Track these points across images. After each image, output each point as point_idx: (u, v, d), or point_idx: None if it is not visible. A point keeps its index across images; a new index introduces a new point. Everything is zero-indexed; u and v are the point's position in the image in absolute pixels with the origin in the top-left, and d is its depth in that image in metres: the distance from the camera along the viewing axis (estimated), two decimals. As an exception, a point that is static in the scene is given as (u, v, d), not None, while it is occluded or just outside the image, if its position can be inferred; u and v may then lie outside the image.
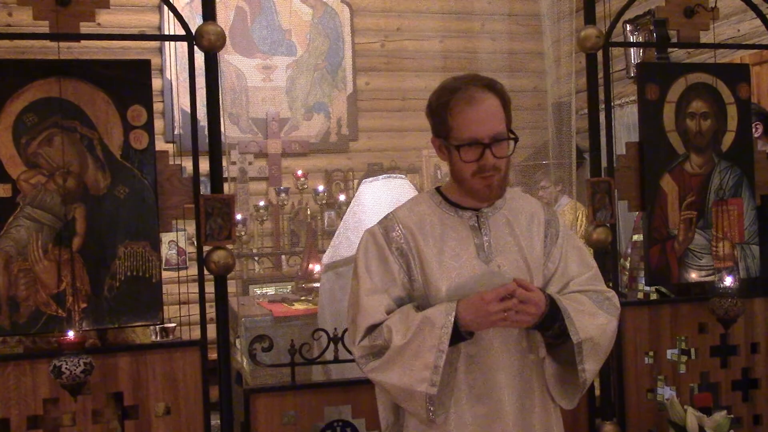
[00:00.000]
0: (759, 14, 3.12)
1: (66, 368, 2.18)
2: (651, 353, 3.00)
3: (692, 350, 3.06)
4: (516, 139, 1.98)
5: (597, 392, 2.90)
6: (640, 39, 6.02)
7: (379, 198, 3.58)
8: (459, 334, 1.87)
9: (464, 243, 1.99)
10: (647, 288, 3.90)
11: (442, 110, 1.96)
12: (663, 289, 3.61)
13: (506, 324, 1.89)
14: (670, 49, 5.60)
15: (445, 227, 2.01)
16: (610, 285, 2.87)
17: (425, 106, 2.05)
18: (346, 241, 3.60)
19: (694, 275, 2.96)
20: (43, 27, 2.43)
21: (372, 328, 1.94)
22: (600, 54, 2.88)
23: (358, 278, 2.01)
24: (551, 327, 1.94)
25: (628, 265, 4.39)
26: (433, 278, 1.96)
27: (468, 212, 2.03)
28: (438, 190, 2.10)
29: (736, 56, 4.79)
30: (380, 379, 1.92)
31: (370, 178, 3.79)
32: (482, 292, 1.87)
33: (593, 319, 1.97)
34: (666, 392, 3.06)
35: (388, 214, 2.09)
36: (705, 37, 3.09)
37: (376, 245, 2.01)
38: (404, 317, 1.91)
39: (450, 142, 1.95)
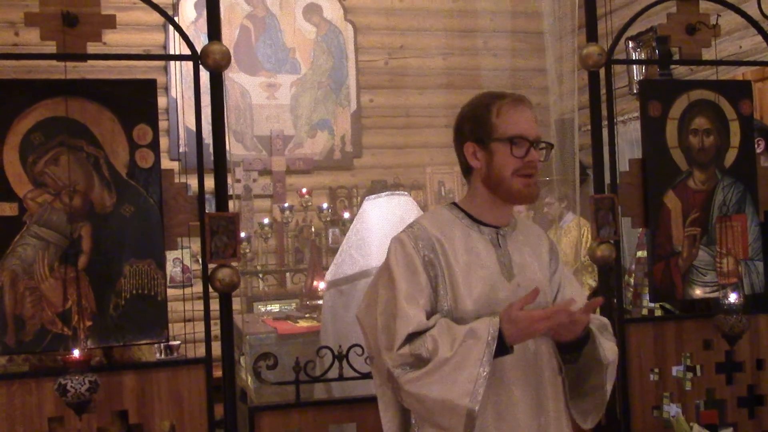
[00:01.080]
0: (760, 31, 3.13)
1: (71, 386, 2.19)
2: (656, 370, 2.99)
3: (697, 367, 3.04)
4: (552, 146, 2.04)
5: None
6: (643, 56, 6.04)
7: (382, 215, 3.57)
8: (500, 348, 1.86)
9: (489, 258, 2.00)
10: (651, 304, 3.89)
11: (483, 111, 2.00)
12: (667, 306, 3.60)
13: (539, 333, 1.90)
14: (672, 66, 5.63)
15: (470, 240, 2.01)
16: (615, 301, 2.88)
17: (456, 117, 2.07)
18: (349, 259, 3.60)
19: (698, 292, 2.96)
20: (50, 47, 2.46)
21: (412, 336, 1.88)
22: (602, 71, 2.89)
23: (394, 283, 1.95)
24: (579, 347, 1.98)
25: (632, 281, 4.39)
26: (461, 292, 1.95)
27: (488, 228, 2.04)
28: (455, 204, 2.10)
29: (738, 73, 4.80)
30: (418, 391, 1.85)
31: (373, 196, 3.77)
32: (531, 311, 1.86)
33: (610, 344, 2.04)
34: (672, 409, 3.04)
35: (413, 222, 2.07)
36: (707, 54, 3.10)
37: (405, 254, 1.98)
38: (447, 329, 1.88)
39: (492, 139, 1.97)
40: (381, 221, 3.51)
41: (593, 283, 5.12)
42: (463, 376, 1.81)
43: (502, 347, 1.85)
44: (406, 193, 3.88)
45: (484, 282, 1.97)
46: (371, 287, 2.08)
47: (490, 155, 1.99)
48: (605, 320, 2.13)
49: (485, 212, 2.04)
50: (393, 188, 6.90)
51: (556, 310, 1.85)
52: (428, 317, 1.93)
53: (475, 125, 2.01)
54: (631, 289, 4.37)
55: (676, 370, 3.03)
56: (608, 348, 2.02)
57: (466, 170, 2.09)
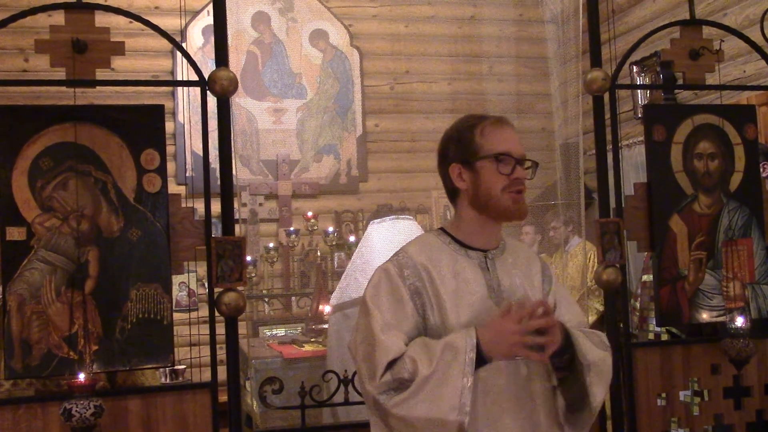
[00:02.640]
0: (764, 56, 3.15)
1: (76, 411, 2.18)
2: (663, 395, 2.97)
3: (705, 392, 3.02)
4: (537, 164, 2.05)
5: (610, 435, 2.87)
6: (647, 80, 6.06)
7: (387, 239, 3.59)
8: (479, 359, 1.85)
9: (477, 282, 1.99)
10: (658, 329, 3.88)
11: (467, 132, 2.02)
12: (674, 330, 3.59)
13: (524, 351, 1.84)
14: (676, 91, 5.65)
15: (458, 266, 2.01)
16: (621, 326, 2.87)
17: (440, 141, 2.09)
18: (354, 282, 3.61)
19: (705, 316, 2.95)
20: (60, 73, 2.49)
21: (392, 363, 1.88)
22: (607, 96, 2.91)
23: (369, 315, 1.95)
24: (563, 354, 1.96)
25: (638, 305, 4.37)
26: (450, 319, 1.95)
27: (475, 252, 2.05)
28: (443, 230, 2.10)
29: (743, 97, 4.82)
30: (406, 413, 1.84)
31: (378, 220, 3.80)
32: (501, 317, 1.86)
33: (593, 349, 2.02)
34: (680, 435, 3.02)
35: (399, 251, 2.07)
36: (711, 79, 3.12)
37: (390, 283, 1.99)
38: (424, 347, 1.88)
39: (478, 158, 1.99)
40: (386, 245, 3.51)
41: (600, 308, 5.10)
42: (447, 391, 1.81)
43: (483, 357, 1.85)
44: (411, 217, 3.92)
45: (473, 308, 1.97)
46: (357, 317, 2.07)
47: (477, 174, 2.00)
48: (602, 334, 2.13)
49: (473, 236, 2.05)
50: (398, 212, 6.94)
51: (521, 312, 1.83)
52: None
53: (459, 147, 2.03)
54: (637, 313, 4.35)
55: (683, 395, 3.01)
56: (589, 351, 1.98)
57: (452, 194, 2.10)
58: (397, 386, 1.86)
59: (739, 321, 2.83)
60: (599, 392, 2.00)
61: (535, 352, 1.86)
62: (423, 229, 3.88)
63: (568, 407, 2.04)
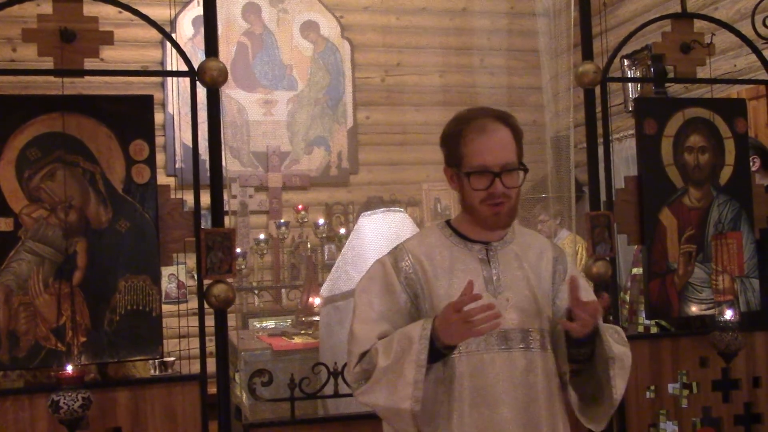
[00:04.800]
0: (754, 50, 3.15)
1: (64, 403, 2.17)
2: (652, 387, 2.98)
3: (694, 384, 3.04)
4: (526, 170, 2.02)
5: (598, 427, 2.88)
6: (638, 74, 6.06)
7: (377, 232, 3.59)
8: (441, 348, 1.86)
9: (473, 276, 1.98)
10: (647, 322, 3.90)
11: (454, 139, 2.01)
12: (663, 323, 3.60)
13: (475, 332, 1.81)
14: (667, 84, 5.66)
15: (455, 260, 2.02)
16: (611, 319, 2.87)
17: (439, 137, 2.08)
18: (344, 275, 3.61)
19: (694, 309, 2.96)
20: (48, 63, 2.46)
21: (363, 355, 1.95)
22: (598, 89, 2.90)
23: (357, 306, 2.03)
24: (582, 346, 1.96)
25: (628, 298, 4.39)
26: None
27: (477, 245, 2.05)
28: (448, 223, 2.11)
29: (733, 91, 4.83)
30: (368, 400, 1.94)
31: (369, 212, 3.80)
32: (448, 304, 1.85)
33: (618, 346, 2.02)
34: (668, 427, 3.04)
35: (398, 245, 2.11)
36: (702, 72, 3.12)
37: (384, 274, 2.03)
38: (389, 339, 1.93)
39: (461, 170, 1.99)
40: (376, 237, 3.52)
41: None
42: (401, 381, 1.85)
43: (443, 346, 1.86)
44: (401, 209, 3.91)
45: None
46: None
47: (461, 183, 2.01)
48: (620, 329, 2.14)
49: (473, 229, 2.05)
50: (389, 205, 6.94)
51: (461, 300, 1.80)
52: None
53: (448, 152, 2.05)
54: (627, 307, 4.37)
55: (672, 388, 3.02)
56: (614, 346, 1.99)
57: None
58: (365, 376, 1.93)
59: (728, 314, 2.84)
60: (621, 386, 2.00)
61: (495, 323, 1.81)
62: (414, 222, 3.88)
63: (582, 400, 2.05)
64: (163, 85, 6.56)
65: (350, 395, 2.67)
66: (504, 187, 1.95)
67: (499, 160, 1.95)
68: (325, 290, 3.72)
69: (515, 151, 2.00)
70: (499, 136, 1.97)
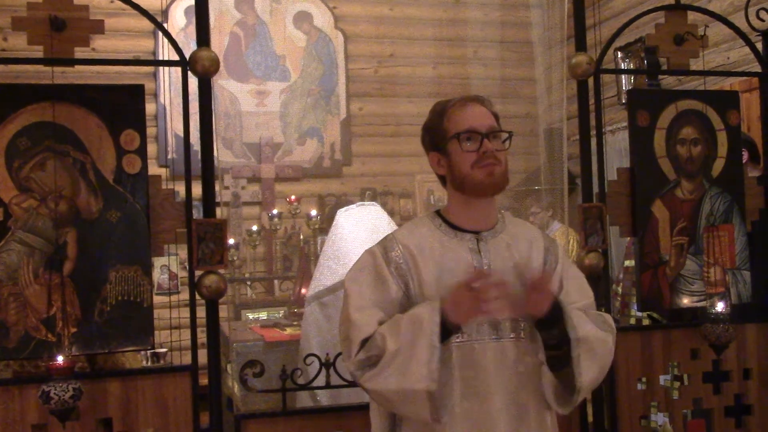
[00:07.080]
0: (747, 42, 3.15)
1: (54, 393, 2.16)
2: (643, 379, 2.99)
3: (685, 376, 3.05)
4: (510, 133, 2.04)
5: (590, 419, 2.89)
6: (631, 66, 6.07)
7: (356, 224, 3.70)
8: (448, 330, 1.88)
9: (463, 265, 1.99)
10: (639, 313, 3.90)
11: (437, 119, 2.05)
12: (655, 315, 3.61)
13: (482, 313, 1.86)
14: (660, 76, 5.66)
15: (445, 249, 2.03)
16: (603, 310, 2.87)
17: (421, 132, 2.11)
18: (327, 270, 3.67)
19: (685, 301, 2.97)
20: (38, 52, 2.44)
21: (365, 341, 1.93)
22: (591, 81, 2.90)
23: (347, 296, 2.02)
24: (552, 327, 1.94)
25: (620, 290, 4.40)
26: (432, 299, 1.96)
27: (468, 234, 2.05)
28: (438, 213, 2.12)
29: (726, 83, 4.83)
30: (377, 387, 1.90)
31: (344, 208, 3.93)
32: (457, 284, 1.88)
33: (590, 326, 1.99)
34: (659, 419, 3.05)
35: (388, 235, 2.12)
36: (695, 65, 3.12)
37: (375, 264, 2.03)
38: (394, 323, 1.92)
39: (448, 138, 2.01)
40: (355, 230, 3.63)
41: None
42: (414, 363, 1.85)
43: (449, 328, 1.87)
44: (375, 203, 4.12)
45: None
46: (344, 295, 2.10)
47: (449, 157, 2.03)
48: (608, 316, 2.14)
49: (463, 218, 2.06)
50: (383, 196, 6.98)
51: (470, 278, 1.85)
52: None
53: (432, 134, 2.08)
54: (619, 299, 4.38)
55: (663, 379, 3.03)
56: (581, 326, 1.96)
57: (441, 180, 2.13)
58: (370, 363, 1.91)
59: (720, 306, 2.85)
60: (587, 370, 1.96)
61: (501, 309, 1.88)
62: (388, 215, 3.97)
63: (558, 388, 2.02)
64: (155, 76, 6.54)
65: (342, 386, 2.69)
66: (493, 148, 1.99)
67: (485, 124, 2.01)
68: (310, 290, 3.78)
69: (496, 122, 2.05)
70: (479, 108, 2.04)
